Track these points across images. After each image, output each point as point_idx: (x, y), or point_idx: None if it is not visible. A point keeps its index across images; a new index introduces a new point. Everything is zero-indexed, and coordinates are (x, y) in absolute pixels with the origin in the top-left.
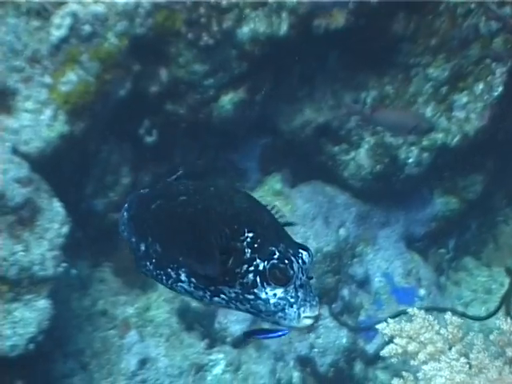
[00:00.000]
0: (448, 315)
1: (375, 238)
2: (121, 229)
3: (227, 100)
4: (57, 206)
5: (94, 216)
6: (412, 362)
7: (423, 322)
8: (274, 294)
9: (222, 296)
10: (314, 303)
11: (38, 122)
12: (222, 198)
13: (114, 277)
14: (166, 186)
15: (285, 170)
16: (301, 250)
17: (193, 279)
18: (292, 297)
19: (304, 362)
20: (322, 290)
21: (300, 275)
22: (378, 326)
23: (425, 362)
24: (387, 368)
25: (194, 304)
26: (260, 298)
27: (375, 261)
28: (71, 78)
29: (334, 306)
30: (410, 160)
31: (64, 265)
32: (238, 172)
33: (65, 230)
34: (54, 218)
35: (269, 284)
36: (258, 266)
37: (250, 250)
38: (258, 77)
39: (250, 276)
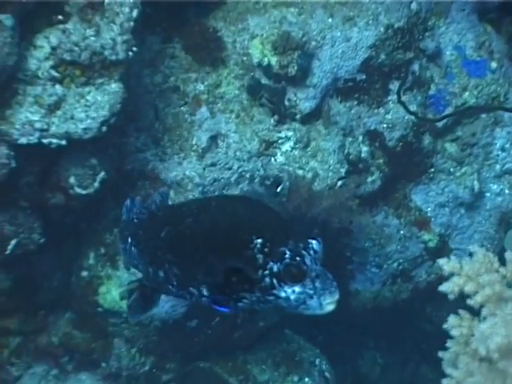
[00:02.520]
0: (508, 253)
1: (448, 11)
2: (132, 263)
3: None
4: None
5: None
6: (469, 302)
7: (483, 259)
8: (293, 291)
9: (245, 301)
10: (333, 289)
11: None
12: (225, 211)
13: (185, 54)
14: (169, 211)
15: None
16: (310, 241)
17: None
18: (310, 289)
19: (373, 137)
20: (392, 66)
21: (314, 266)
22: (438, 260)
23: (482, 304)
24: (456, 140)
25: (264, 81)
26: (280, 297)
27: (447, 34)
28: None
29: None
30: None
31: (134, 49)
32: None
33: (135, 13)
34: (125, 2)
35: (286, 283)
36: (272, 268)
37: (261, 256)
38: None
39: (267, 279)
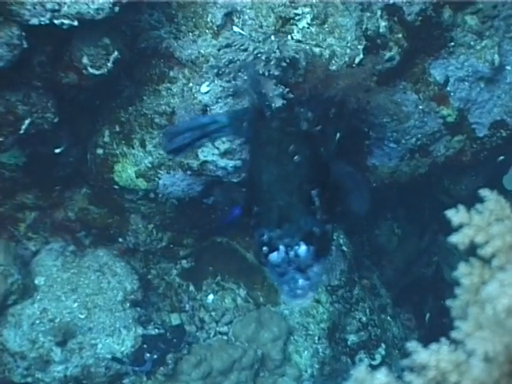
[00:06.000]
0: None
1: None
2: None
3: None
4: None
5: None
6: (479, 252)
7: (494, 206)
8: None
9: None
10: (296, 296)
11: None
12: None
13: None
14: None
15: None
16: (301, 243)
17: None
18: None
19: (391, 12)
20: None
21: (285, 266)
22: (446, 212)
23: (493, 255)
24: (477, 13)
25: None
26: None
27: None
28: None
29: None
30: None
31: None
32: None
33: None
34: None
35: None
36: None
37: (253, 221)
38: None
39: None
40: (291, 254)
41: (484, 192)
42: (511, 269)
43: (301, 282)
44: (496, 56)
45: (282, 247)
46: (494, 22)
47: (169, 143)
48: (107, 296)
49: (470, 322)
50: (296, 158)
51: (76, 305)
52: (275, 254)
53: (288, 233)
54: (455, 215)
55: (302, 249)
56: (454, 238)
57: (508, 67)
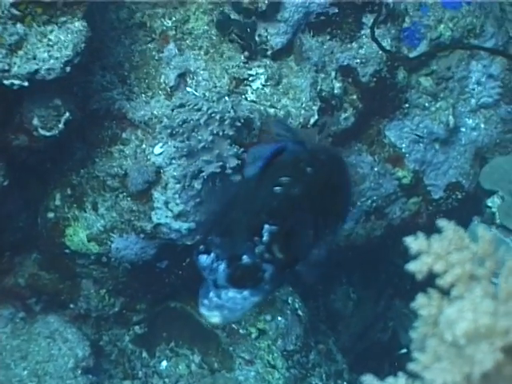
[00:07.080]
0: (481, 229)
1: None
2: None
3: None
4: None
5: None
6: (438, 282)
7: (453, 235)
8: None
9: None
10: (203, 306)
11: None
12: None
13: None
14: None
15: None
16: (224, 261)
17: None
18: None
19: (346, 73)
20: None
21: (207, 273)
22: (405, 239)
23: (452, 284)
24: (431, 74)
25: (234, 16)
26: None
27: None
28: None
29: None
30: None
31: None
32: None
33: None
34: None
35: None
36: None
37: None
38: None
39: None
40: (215, 265)
41: (442, 222)
42: (470, 296)
43: (211, 294)
44: (451, 117)
45: (213, 255)
46: (449, 83)
47: (250, 166)
48: (58, 363)
49: (429, 354)
50: (277, 188)
51: (26, 372)
52: (205, 256)
53: (222, 246)
54: (414, 242)
55: (221, 267)
56: (412, 266)
57: (463, 129)
